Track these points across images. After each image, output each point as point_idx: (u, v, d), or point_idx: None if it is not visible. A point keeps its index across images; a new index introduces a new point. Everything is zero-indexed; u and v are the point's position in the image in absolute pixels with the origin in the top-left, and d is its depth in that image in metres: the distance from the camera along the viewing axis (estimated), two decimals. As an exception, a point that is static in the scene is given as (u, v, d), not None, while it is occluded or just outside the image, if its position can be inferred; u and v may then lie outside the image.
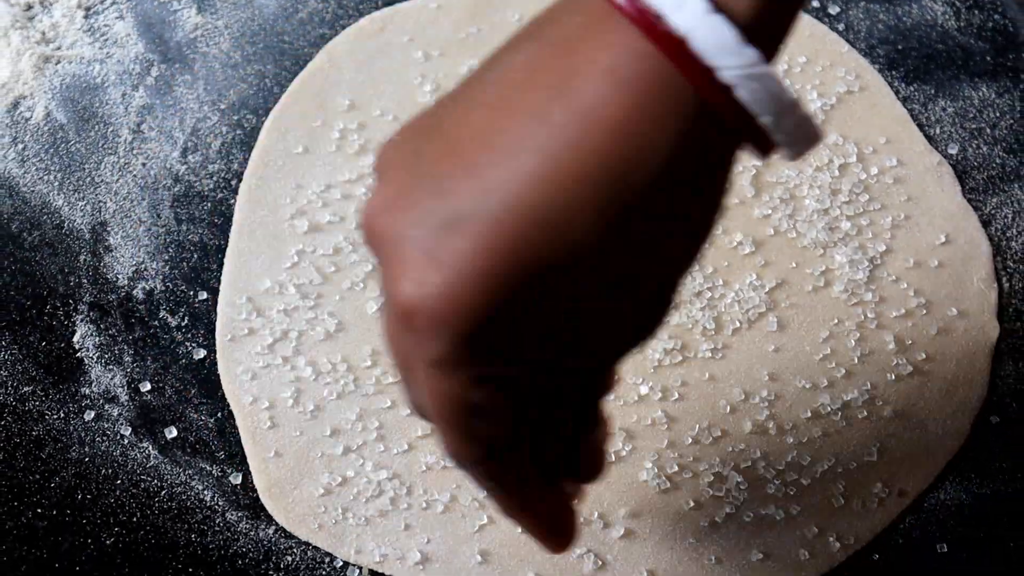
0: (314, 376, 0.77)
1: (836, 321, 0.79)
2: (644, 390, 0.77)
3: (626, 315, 0.55)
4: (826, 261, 0.81)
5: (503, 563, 0.73)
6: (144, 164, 0.83)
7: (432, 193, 0.53)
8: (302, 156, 0.83)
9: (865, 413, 0.77)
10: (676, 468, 0.75)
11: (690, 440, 0.76)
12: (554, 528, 0.63)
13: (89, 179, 0.82)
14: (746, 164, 0.83)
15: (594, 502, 0.74)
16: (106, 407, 0.76)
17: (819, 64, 0.87)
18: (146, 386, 0.77)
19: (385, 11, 0.88)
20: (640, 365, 0.77)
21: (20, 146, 0.83)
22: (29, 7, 0.86)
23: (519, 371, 0.55)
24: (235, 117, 0.84)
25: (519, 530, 0.73)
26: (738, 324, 0.79)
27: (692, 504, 0.74)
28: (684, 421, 0.76)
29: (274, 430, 0.76)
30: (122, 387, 0.76)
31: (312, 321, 0.78)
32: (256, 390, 0.77)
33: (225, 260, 0.80)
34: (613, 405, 0.76)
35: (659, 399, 0.77)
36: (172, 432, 0.75)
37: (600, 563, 0.73)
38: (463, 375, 0.54)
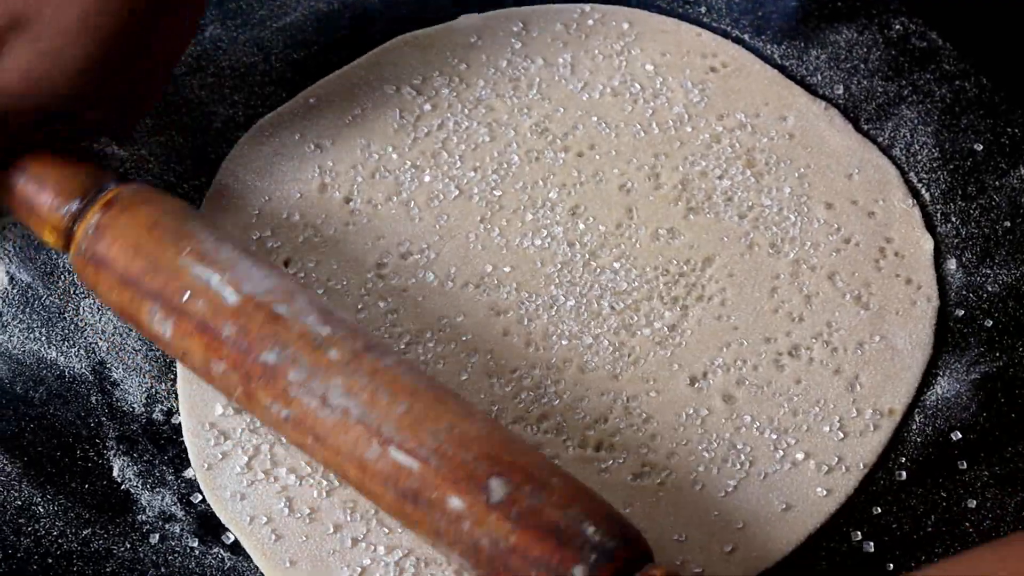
0: (298, 482, 0.78)
1: (777, 276, 0.84)
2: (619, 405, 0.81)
3: None
4: (750, 225, 0.86)
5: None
6: (121, 297, 0.85)
7: None
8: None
9: (835, 348, 0.82)
10: (678, 457, 0.79)
11: (681, 428, 0.80)
12: None
13: (73, 325, 0.84)
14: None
15: (620, 505, 0.76)
16: (166, 526, 0.78)
17: (680, 55, 0.93)
18: (197, 497, 0.79)
19: (269, 116, 0.91)
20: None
21: (-3, 314, 0.85)
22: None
23: None
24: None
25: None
26: (690, 302, 0.84)
27: (702, 486, 0.78)
28: (665, 412, 0.81)
29: (280, 542, 0.76)
30: (175, 504, 0.79)
31: (277, 431, 0.80)
32: (250, 509, 0.77)
33: (178, 390, 0.82)
34: (590, 423, 0.80)
35: (631, 401, 0.81)
36: (236, 531, 0.78)
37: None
38: None
